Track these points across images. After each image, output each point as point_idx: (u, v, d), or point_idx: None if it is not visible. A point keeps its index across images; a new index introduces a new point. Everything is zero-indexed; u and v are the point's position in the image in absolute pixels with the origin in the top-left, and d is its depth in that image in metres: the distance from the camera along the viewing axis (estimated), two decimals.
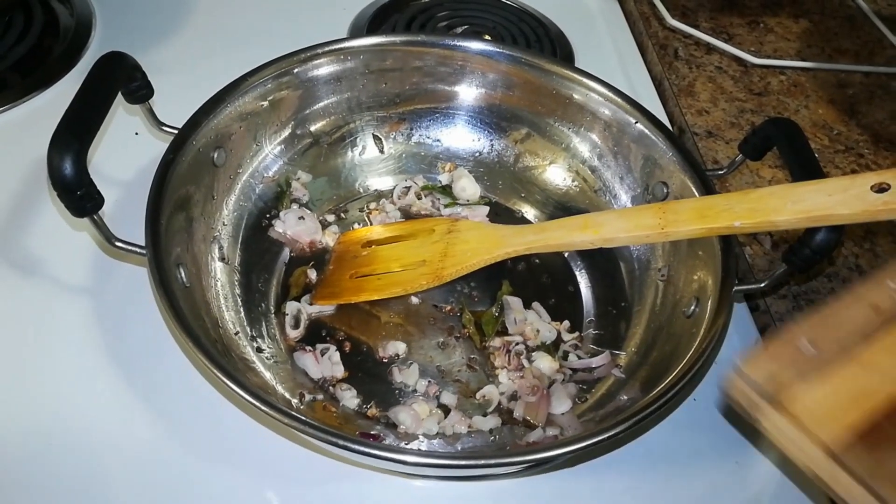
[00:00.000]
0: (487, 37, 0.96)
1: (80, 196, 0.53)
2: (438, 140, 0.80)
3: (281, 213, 0.72)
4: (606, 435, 0.51)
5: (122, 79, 0.61)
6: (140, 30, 0.93)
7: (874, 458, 0.37)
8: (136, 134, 0.79)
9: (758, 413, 0.41)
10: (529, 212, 0.78)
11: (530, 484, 0.60)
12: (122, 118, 0.80)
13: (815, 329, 0.43)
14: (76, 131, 0.53)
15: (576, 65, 0.91)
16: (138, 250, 0.57)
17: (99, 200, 0.55)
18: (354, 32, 0.96)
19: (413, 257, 0.69)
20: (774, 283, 0.62)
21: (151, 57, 0.89)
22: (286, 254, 0.71)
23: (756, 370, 0.41)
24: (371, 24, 0.97)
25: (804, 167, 0.60)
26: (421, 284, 0.67)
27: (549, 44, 0.97)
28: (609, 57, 1.00)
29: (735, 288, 0.60)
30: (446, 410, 0.62)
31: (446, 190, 0.78)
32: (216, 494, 0.56)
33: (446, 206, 0.77)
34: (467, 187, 0.77)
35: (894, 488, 0.36)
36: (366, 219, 0.75)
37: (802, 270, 0.60)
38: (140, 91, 0.64)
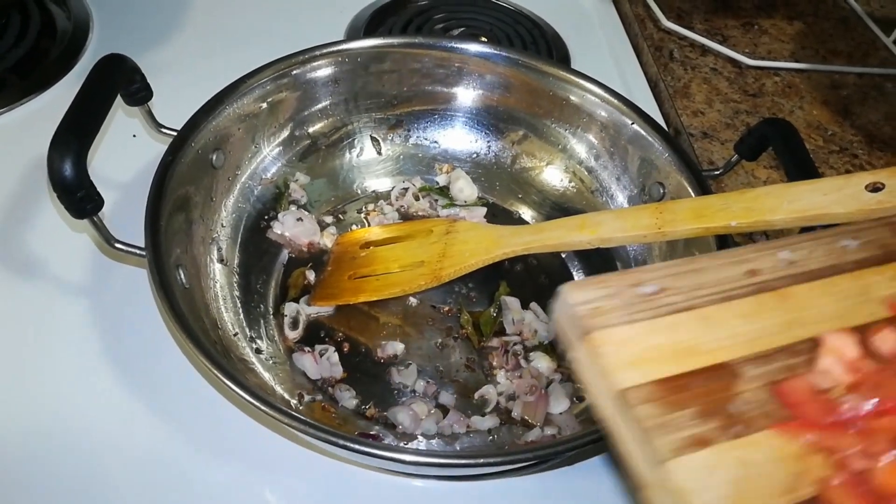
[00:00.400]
0: (484, 39, 0.96)
1: (79, 197, 0.53)
2: (436, 142, 0.80)
3: (279, 215, 0.72)
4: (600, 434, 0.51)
5: (121, 81, 0.62)
6: (137, 32, 0.93)
7: (663, 421, 0.32)
8: (135, 136, 0.79)
9: (567, 343, 0.36)
10: (527, 213, 0.78)
11: (529, 483, 0.60)
12: (121, 120, 0.80)
13: (672, 275, 0.38)
14: (76, 133, 0.54)
15: (572, 67, 0.91)
16: (138, 252, 0.57)
17: (99, 202, 0.55)
18: (352, 34, 0.96)
19: (411, 258, 0.69)
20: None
21: (149, 59, 0.88)
22: (285, 255, 0.72)
23: (579, 296, 0.35)
24: (368, 25, 0.97)
25: (799, 167, 0.61)
26: (419, 285, 0.67)
27: (546, 46, 0.97)
28: (605, 59, 1.00)
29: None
30: (445, 410, 0.62)
31: (444, 191, 0.78)
32: (215, 495, 0.57)
33: (444, 207, 0.77)
34: (465, 188, 0.77)
35: (673, 451, 0.32)
36: (364, 220, 0.76)
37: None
38: (139, 93, 0.64)
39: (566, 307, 0.36)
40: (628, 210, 0.70)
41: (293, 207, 0.74)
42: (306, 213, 0.73)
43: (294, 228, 0.71)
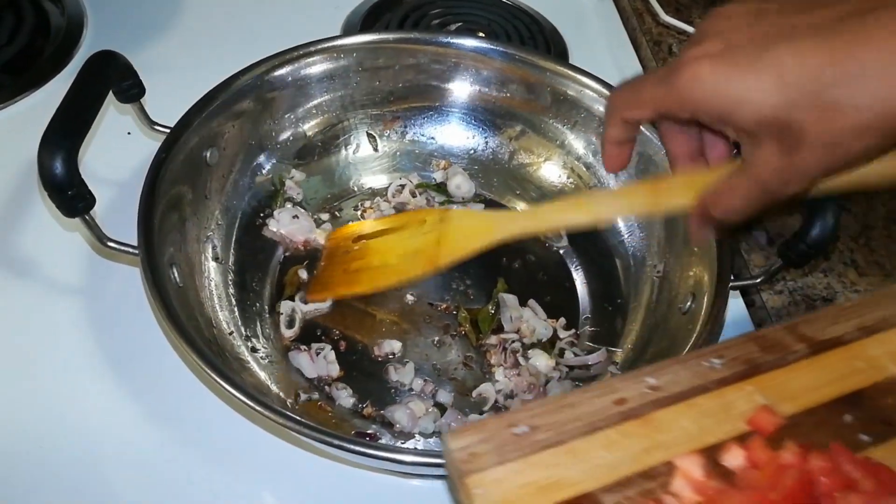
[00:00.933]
0: (481, 34, 0.95)
1: (71, 196, 0.53)
2: (433, 138, 0.80)
3: (275, 213, 0.71)
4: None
5: (113, 78, 0.61)
6: (132, 29, 0.92)
7: None
8: (129, 133, 0.79)
9: (452, 485, 0.40)
10: (523, 208, 0.78)
11: None
12: (114, 117, 0.79)
13: (544, 413, 0.41)
14: (67, 131, 0.53)
15: (570, 61, 0.90)
16: (131, 250, 0.57)
17: (90, 200, 0.54)
18: (348, 30, 0.95)
19: (406, 248, 0.68)
20: (770, 278, 0.62)
21: (144, 56, 0.88)
22: (280, 253, 0.71)
23: (458, 443, 0.39)
24: (364, 21, 0.96)
25: None
26: (416, 273, 0.66)
27: (543, 41, 0.97)
28: (603, 53, 1.00)
29: (731, 283, 0.60)
30: (443, 409, 0.62)
31: (441, 188, 0.78)
32: (212, 496, 0.56)
33: (441, 203, 0.76)
34: (462, 185, 0.77)
35: None
36: (360, 217, 0.75)
37: (798, 265, 0.60)
38: (132, 90, 0.63)
39: (448, 453, 0.39)
40: (624, 189, 0.69)
41: (289, 205, 0.73)
42: (302, 210, 0.73)
43: (289, 226, 0.71)
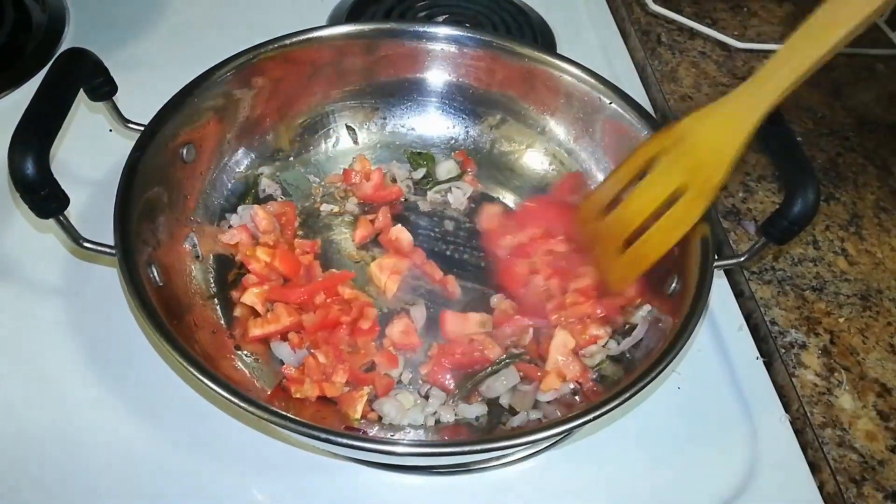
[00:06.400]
0: (467, 25, 0.94)
1: (43, 196, 0.52)
2: (413, 128, 0.79)
3: (239, 208, 0.70)
4: (590, 416, 0.51)
5: (83, 76, 0.60)
6: (114, 26, 0.91)
7: None
8: (111, 131, 0.78)
9: None
10: (508, 197, 0.77)
11: (519, 477, 0.59)
12: (92, 115, 0.78)
13: None
14: (36, 130, 0.52)
15: (558, 52, 0.89)
16: (108, 251, 0.56)
17: (63, 201, 0.54)
18: (333, 23, 0.94)
19: (669, 188, 0.59)
20: (753, 256, 0.61)
21: (126, 53, 0.87)
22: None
23: None
24: (350, 14, 0.95)
25: (782, 141, 0.59)
26: (701, 209, 0.58)
27: (531, 32, 0.95)
28: (591, 44, 0.99)
29: (716, 263, 0.59)
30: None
31: (429, 176, 0.77)
32: (200, 494, 0.56)
33: (430, 188, 0.76)
34: (452, 170, 0.76)
35: None
36: (340, 219, 0.73)
37: (781, 242, 0.59)
38: (103, 88, 0.62)
39: None
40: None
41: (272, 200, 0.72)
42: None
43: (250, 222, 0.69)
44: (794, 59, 0.55)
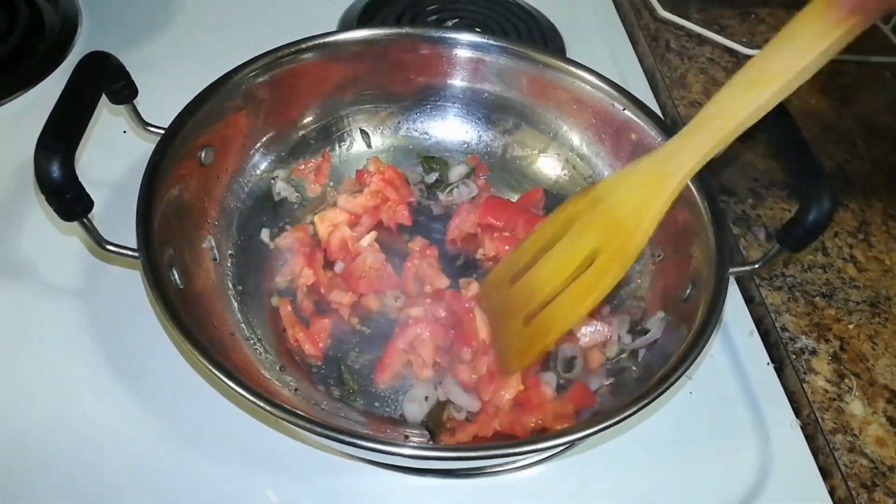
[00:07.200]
0: (478, 29, 0.95)
1: (68, 199, 0.52)
2: (426, 133, 0.79)
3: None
4: (601, 426, 0.51)
5: (105, 79, 0.60)
6: (127, 27, 0.92)
7: None
8: (125, 132, 0.78)
9: None
10: None
11: (533, 480, 0.60)
12: (108, 118, 0.79)
13: None
14: (62, 134, 0.52)
15: (567, 57, 0.90)
16: (130, 253, 0.56)
17: (88, 204, 0.54)
18: (344, 27, 0.95)
19: (581, 254, 0.55)
20: (767, 263, 0.61)
21: (139, 54, 0.88)
22: (278, 252, 0.71)
23: None
24: (361, 18, 0.96)
25: (797, 148, 0.60)
26: (616, 273, 0.53)
27: (541, 36, 0.96)
28: (600, 49, 0.99)
29: (730, 269, 0.59)
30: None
31: (441, 180, 0.77)
32: (216, 492, 0.56)
33: (442, 191, 0.76)
34: (463, 173, 0.77)
35: None
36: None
37: (796, 249, 0.59)
38: (124, 91, 0.63)
39: None
40: (786, 30, 0.49)
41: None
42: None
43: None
44: (720, 117, 0.50)
